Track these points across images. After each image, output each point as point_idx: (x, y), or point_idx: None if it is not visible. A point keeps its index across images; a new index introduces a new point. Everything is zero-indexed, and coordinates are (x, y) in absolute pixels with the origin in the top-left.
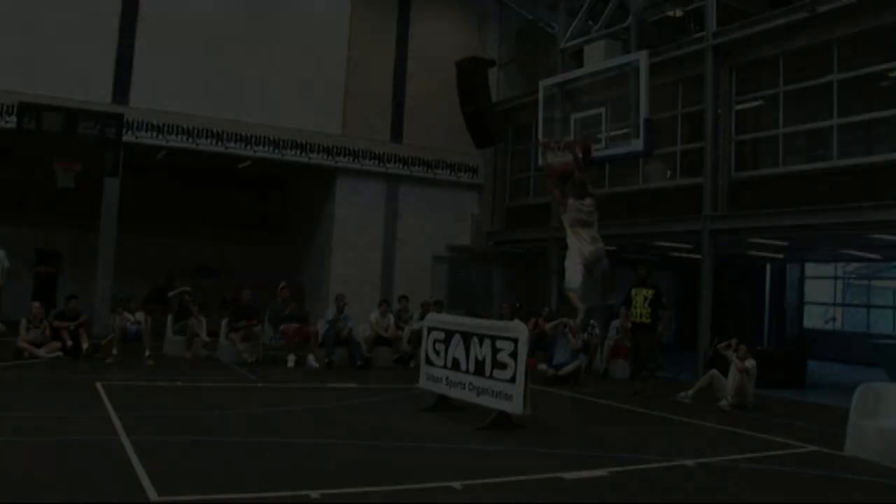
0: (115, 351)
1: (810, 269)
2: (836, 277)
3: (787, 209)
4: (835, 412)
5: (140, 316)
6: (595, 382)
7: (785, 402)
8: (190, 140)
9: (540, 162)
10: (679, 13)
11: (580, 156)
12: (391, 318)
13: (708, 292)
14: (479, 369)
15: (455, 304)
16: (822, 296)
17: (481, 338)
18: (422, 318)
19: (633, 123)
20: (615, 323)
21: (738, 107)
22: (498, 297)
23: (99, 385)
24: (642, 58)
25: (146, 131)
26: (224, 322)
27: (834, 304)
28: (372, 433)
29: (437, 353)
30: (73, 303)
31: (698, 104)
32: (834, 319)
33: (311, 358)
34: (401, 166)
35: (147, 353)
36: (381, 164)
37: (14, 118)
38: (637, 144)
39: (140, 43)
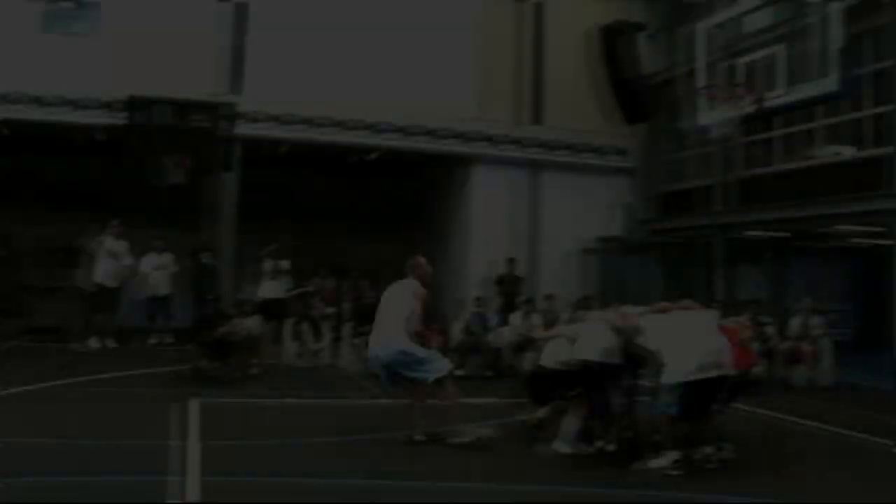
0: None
1: None
2: None
3: None
4: None
5: (255, 320)
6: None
7: None
8: (311, 130)
9: None
10: None
11: None
12: (536, 320)
13: None
14: None
15: (608, 301)
16: None
17: None
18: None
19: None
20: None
21: None
22: (656, 291)
23: None
24: None
25: (262, 122)
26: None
27: None
28: (502, 470)
29: None
30: None
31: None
32: None
33: None
34: (543, 151)
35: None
36: (522, 149)
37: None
38: (829, 84)
39: (253, 29)
